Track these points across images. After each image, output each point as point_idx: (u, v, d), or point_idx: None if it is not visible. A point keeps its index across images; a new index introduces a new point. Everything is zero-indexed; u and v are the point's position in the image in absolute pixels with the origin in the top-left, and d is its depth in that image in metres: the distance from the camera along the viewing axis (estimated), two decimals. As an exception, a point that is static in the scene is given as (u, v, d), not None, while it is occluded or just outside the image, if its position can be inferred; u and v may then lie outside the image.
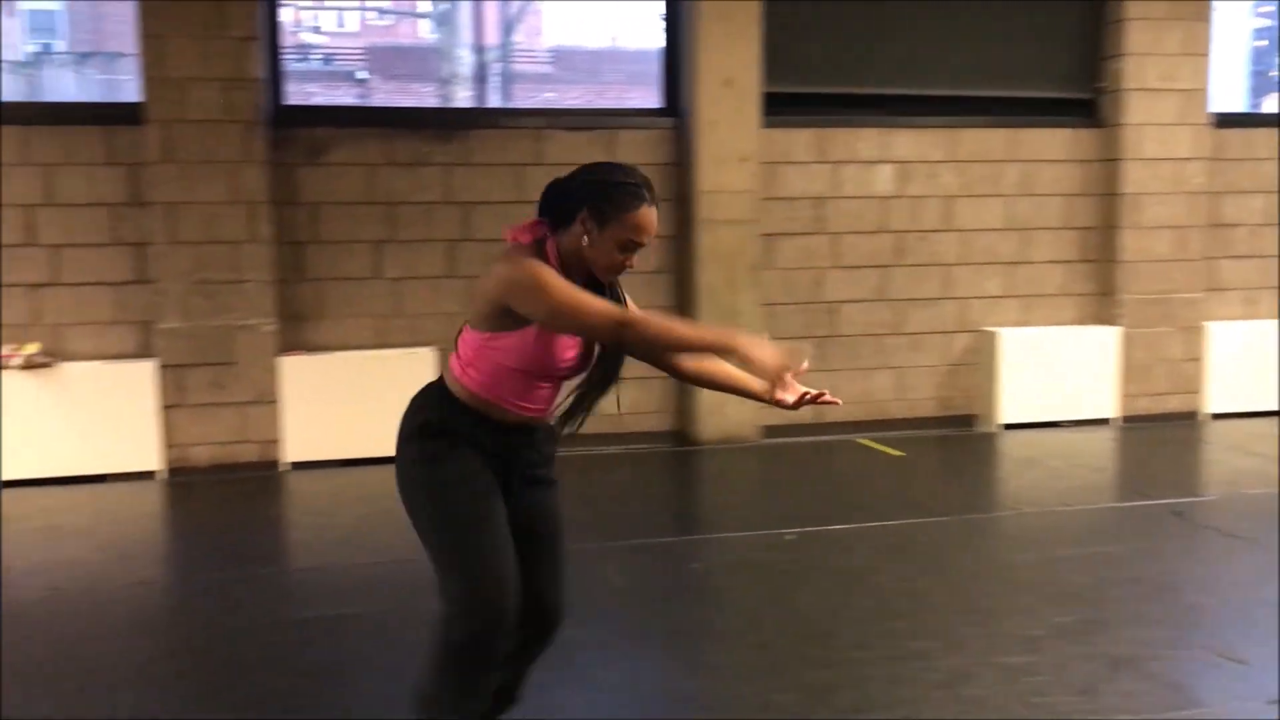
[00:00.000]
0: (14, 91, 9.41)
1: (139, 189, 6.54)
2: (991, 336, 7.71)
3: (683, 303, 7.32)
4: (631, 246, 2.64)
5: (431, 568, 2.67)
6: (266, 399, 6.67)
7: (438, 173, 6.99)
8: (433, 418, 2.67)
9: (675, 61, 7.35)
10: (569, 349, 2.69)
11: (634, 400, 7.35)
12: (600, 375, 2.80)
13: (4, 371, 6.29)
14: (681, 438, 7.40)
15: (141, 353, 6.61)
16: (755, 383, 2.74)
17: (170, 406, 6.54)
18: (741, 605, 4.47)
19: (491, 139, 7.05)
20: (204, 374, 6.57)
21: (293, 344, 6.77)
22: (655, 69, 7.50)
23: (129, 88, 7.89)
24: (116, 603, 4.58)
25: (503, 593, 2.60)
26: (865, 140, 7.56)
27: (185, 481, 6.51)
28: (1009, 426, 7.64)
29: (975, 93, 7.78)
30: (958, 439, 7.62)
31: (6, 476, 6.33)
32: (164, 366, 6.50)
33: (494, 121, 7.14)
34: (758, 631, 4.11)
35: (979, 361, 7.82)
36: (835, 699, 3.50)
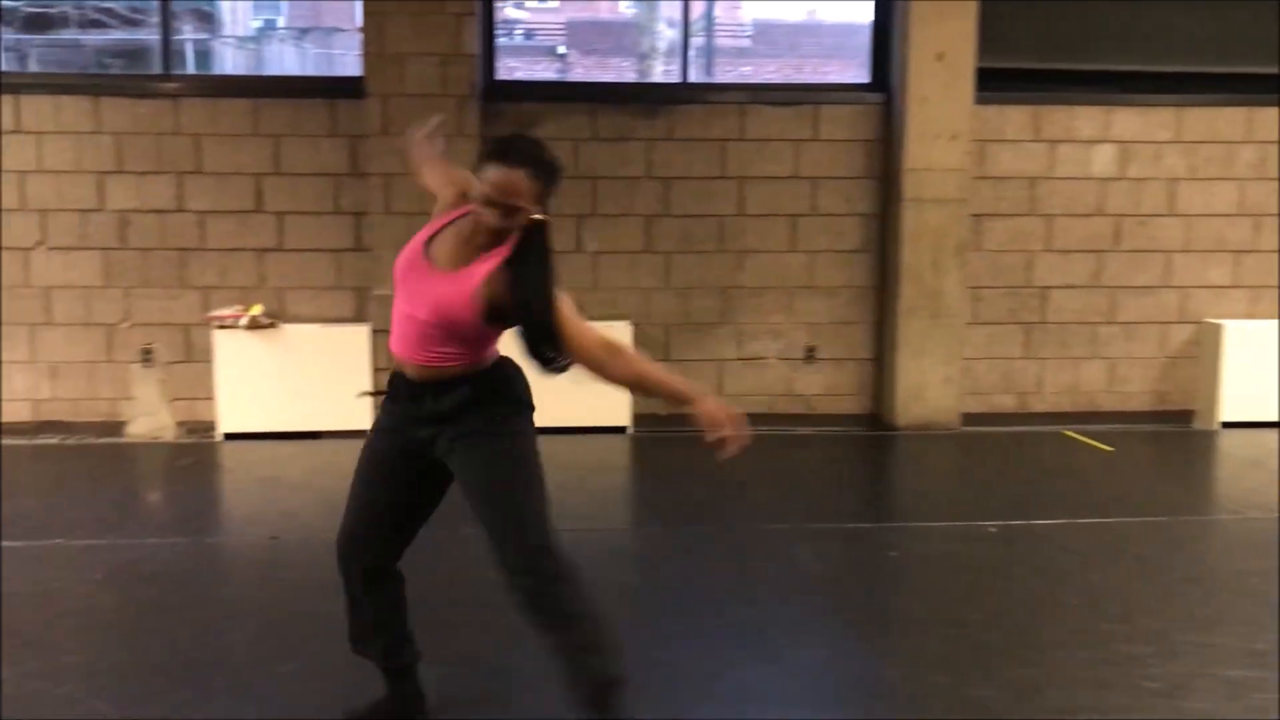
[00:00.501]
0: (239, 65, 9.95)
1: (358, 160, 6.83)
2: (1215, 329, 7.23)
3: (883, 283, 7.17)
4: (493, 203, 2.73)
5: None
6: (469, 366, 6.87)
7: (640, 148, 7.03)
8: None
9: (884, 35, 7.16)
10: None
11: (829, 382, 7.25)
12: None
13: (231, 331, 6.69)
14: (877, 422, 7.24)
15: (357, 317, 6.92)
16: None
17: (382, 369, 6.83)
18: (940, 596, 4.35)
19: (694, 114, 7.04)
20: (412, 339, 6.82)
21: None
22: (857, 43, 7.32)
23: (343, 61, 8.23)
24: (327, 555, 4.81)
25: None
26: (1084, 119, 7.19)
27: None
28: (1230, 425, 7.16)
29: (1206, 69, 7.29)
30: (1172, 436, 7.20)
31: (229, 429, 6.75)
32: (377, 331, 6.79)
33: (697, 97, 7.13)
34: (957, 624, 3.99)
35: (1199, 355, 7.36)
36: (1040, 699, 3.37)
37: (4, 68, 6.96)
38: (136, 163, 6.76)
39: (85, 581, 4.38)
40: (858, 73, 7.35)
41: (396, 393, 2.94)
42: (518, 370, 2.99)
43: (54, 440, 6.79)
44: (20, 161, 6.67)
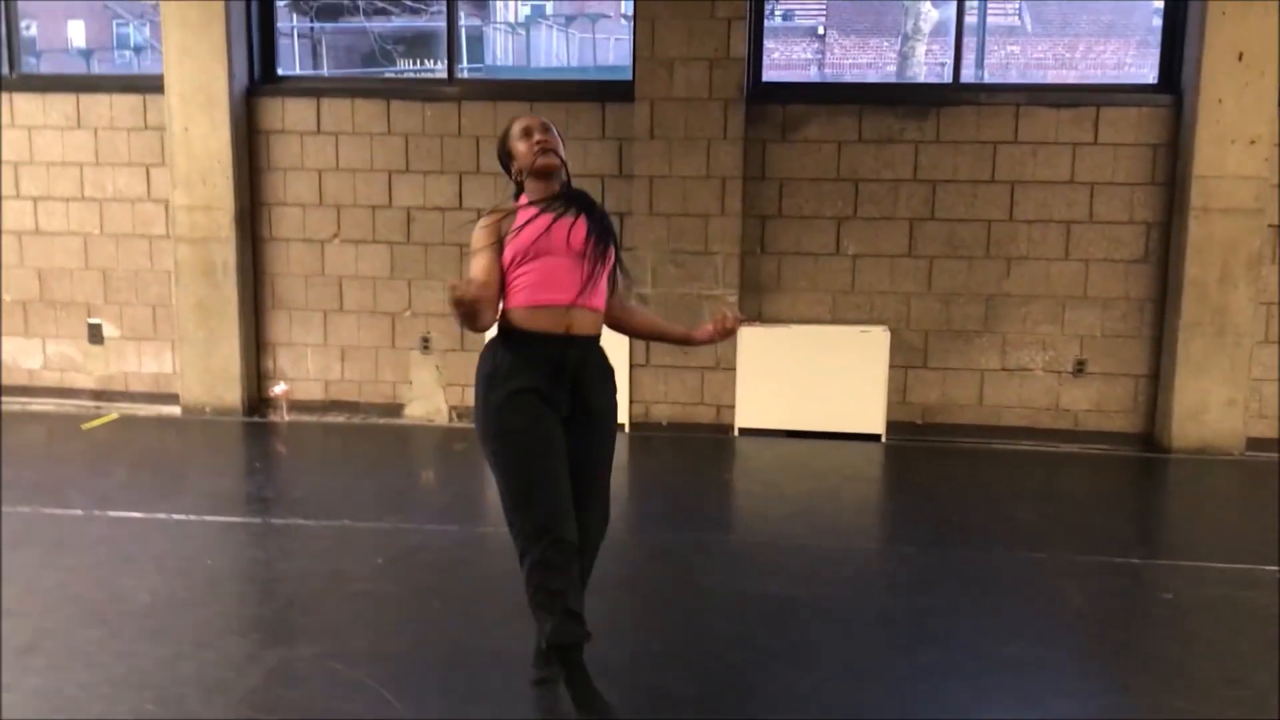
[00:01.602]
0: (508, 52, 10.36)
1: (624, 162, 7.01)
2: None
3: (1164, 296, 6.75)
4: (528, 135, 3.46)
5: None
6: (724, 365, 6.97)
7: (906, 150, 6.89)
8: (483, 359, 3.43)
9: (1175, 34, 6.70)
10: None
11: (1098, 398, 6.90)
12: None
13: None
14: (1149, 443, 6.85)
15: (617, 314, 7.12)
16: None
17: (638, 365, 7.02)
18: (1220, 650, 4.08)
19: (965, 116, 6.83)
20: (670, 338, 6.97)
21: (751, 314, 7.01)
22: (1136, 21, 6.88)
23: (605, 46, 8.42)
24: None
25: None
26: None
27: (646, 436, 6.97)
28: None
29: None
30: None
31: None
32: (635, 329, 6.97)
33: (970, 98, 6.90)
34: (1239, 683, 3.74)
35: None
36: (1336, 781, 3.13)
37: (297, 68, 7.53)
38: (421, 162, 7.19)
39: (369, 565, 4.74)
40: (1138, 52, 6.91)
41: None
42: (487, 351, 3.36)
43: (341, 419, 7.34)
44: (320, 161, 7.22)
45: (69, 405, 7.50)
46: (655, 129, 6.80)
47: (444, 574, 4.67)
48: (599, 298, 3.38)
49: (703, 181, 6.82)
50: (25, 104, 7.33)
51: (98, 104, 7.30)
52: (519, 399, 3.24)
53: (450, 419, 7.31)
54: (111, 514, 5.27)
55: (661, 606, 4.40)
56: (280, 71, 7.42)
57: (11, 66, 7.48)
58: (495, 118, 7.10)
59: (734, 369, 6.95)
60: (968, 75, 7.31)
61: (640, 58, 6.79)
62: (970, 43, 7.70)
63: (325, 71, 8.27)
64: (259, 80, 7.25)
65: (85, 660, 3.76)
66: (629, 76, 6.94)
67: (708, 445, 6.83)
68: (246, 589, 4.65)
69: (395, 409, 7.40)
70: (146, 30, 12.09)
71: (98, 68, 12.42)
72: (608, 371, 3.50)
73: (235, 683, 3.64)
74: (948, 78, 7.12)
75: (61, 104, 7.31)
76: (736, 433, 6.98)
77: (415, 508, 5.59)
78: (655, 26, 6.74)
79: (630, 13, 6.95)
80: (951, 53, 7.11)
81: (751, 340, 6.90)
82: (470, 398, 6.96)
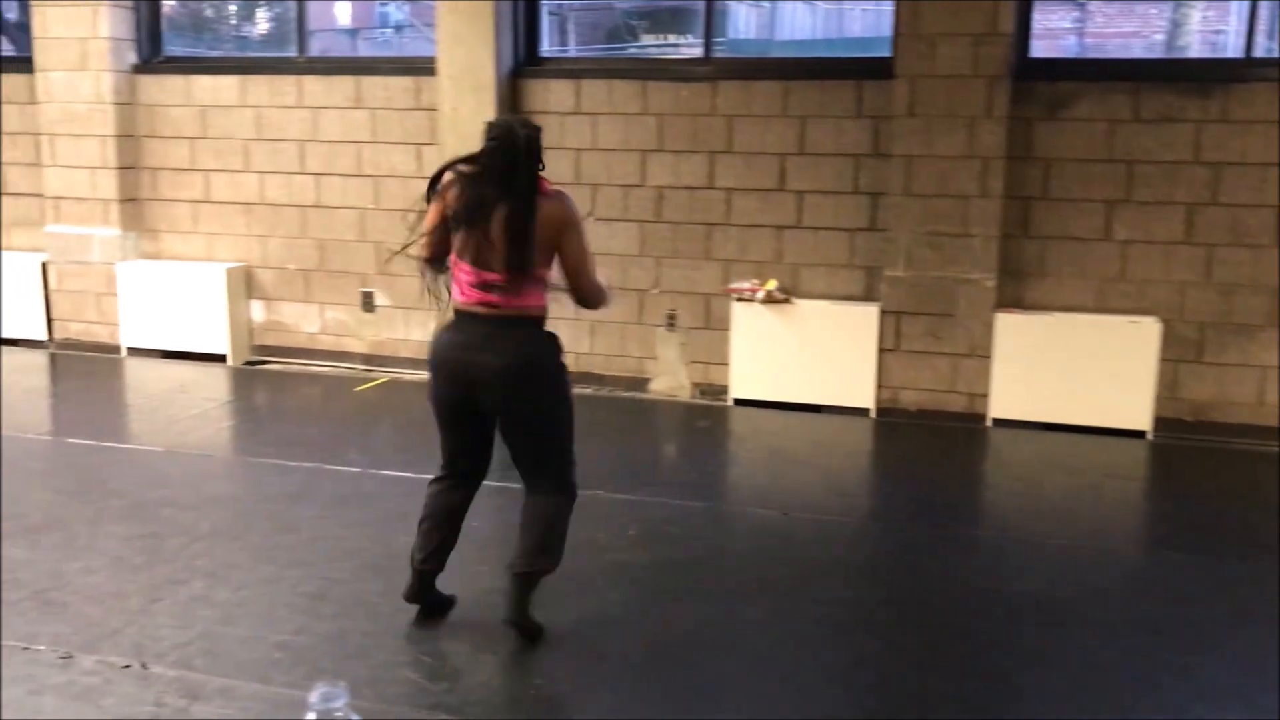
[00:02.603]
0: (753, 25, 10.23)
1: (880, 141, 6.87)
2: None
3: None
4: None
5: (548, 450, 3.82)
6: (979, 353, 6.75)
7: (1187, 130, 6.44)
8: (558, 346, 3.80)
9: None
10: None
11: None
12: None
13: (747, 302, 7.05)
14: None
15: (867, 296, 7.02)
16: None
17: (886, 350, 6.89)
18: None
19: (1257, 93, 6.32)
20: (922, 322, 6.81)
21: (1011, 301, 6.75)
22: None
23: (850, 16, 8.21)
24: (832, 536, 4.98)
25: None
26: None
27: (893, 423, 6.85)
28: None
29: None
30: None
31: (740, 395, 7.14)
32: (886, 312, 6.85)
33: (1263, 74, 6.38)
34: None
35: None
36: None
37: (546, 45, 7.74)
38: (675, 142, 7.27)
39: (619, 536, 4.87)
40: None
41: None
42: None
43: (588, 390, 7.56)
44: (579, 140, 7.42)
45: (343, 368, 8.03)
46: (915, 107, 6.63)
47: (690, 549, 4.75)
48: None
49: (963, 161, 6.60)
50: (313, 85, 7.86)
51: (375, 86, 7.75)
52: None
53: (693, 395, 7.40)
54: (383, 473, 5.62)
55: (912, 599, 4.32)
56: (542, 52, 7.66)
57: (301, 50, 8.03)
58: (749, 98, 7.10)
59: (989, 356, 6.72)
60: (1260, 49, 6.75)
61: (901, 34, 6.62)
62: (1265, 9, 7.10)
63: (571, 49, 8.48)
64: (523, 62, 7.50)
65: (368, 610, 4.04)
66: (879, 50, 6.78)
67: (958, 435, 6.64)
68: (506, 551, 4.86)
69: (640, 383, 7.55)
70: (406, 9, 12.66)
71: (362, 46, 13.12)
72: None
73: (500, 645, 3.82)
74: (1229, 50, 6.61)
75: (344, 86, 7.80)
76: (990, 423, 6.75)
77: (662, 482, 5.70)
78: (917, 2, 6.56)
79: (891, -12, 6.79)
80: (1243, 23, 6.59)
81: (1010, 327, 6.64)
82: (716, 376, 6.97)
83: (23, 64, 8.37)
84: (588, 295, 3.84)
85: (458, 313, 3.72)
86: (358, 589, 4.22)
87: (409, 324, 7.92)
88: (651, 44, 12.17)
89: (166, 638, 3.76)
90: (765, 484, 5.88)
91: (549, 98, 7.45)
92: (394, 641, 3.81)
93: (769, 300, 7.02)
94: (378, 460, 5.80)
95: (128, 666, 3.55)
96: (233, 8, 9.52)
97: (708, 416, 7.03)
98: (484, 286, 3.62)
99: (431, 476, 4.05)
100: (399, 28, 13.52)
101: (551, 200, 3.70)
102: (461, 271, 3.67)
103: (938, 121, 6.60)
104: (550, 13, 7.93)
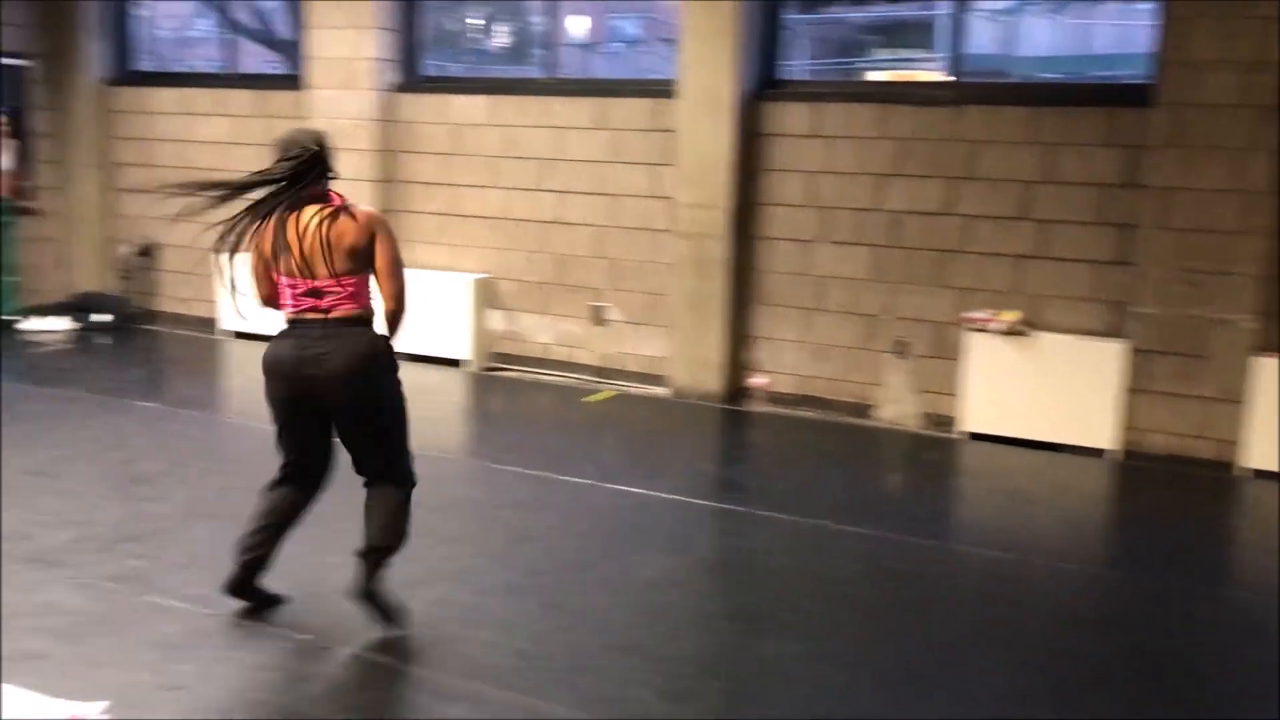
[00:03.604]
0: (985, 40, 9.87)
1: (1133, 171, 6.57)
2: None
3: None
4: None
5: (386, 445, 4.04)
6: (1232, 398, 6.35)
7: None
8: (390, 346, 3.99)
9: None
10: None
11: None
12: None
13: (983, 333, 6.87)
14: None
15: (1111, 332, 6.72)
16: None
17: (1134, 390, 6.57)
18: None
19: None
20: (1172, 362, 6.47)
21: (1273, 345, 6.32)
22: None
23: (1098, 32, 7.85)
24: (1067, 584, 4.80)
25: None
26: None
27: (1136, 466, 6.53)
28: None
29: None
30: None
31: (972, 429, 6.96)
32: (1134, 349, 6.54)
33: None
34: None
35: None
36: None
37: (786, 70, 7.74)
38: (913, 167, 7.17)
39: (846, 569, 4.84)
40: None
41: None
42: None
43: (812, 414, 7.53)
44: (813, 163, 7.42)
45: (573, 378, 8.29)
46: (1176, 137, 6.31)
47: (919, 589, 4.68)
48: None
49: (1226, 195, 6.23)
50: (559, 106, 8.16)
51: (617, 107, 7.97)
52: None
53: (920, 425, 7.26)
54: (613, 486, 5.77)
55: (1153, 659, 4.12)
56: (777, 71, 7.70)
57: (549, 72, 8.36)
58: (994, 123, 6.93)
59: (1243, 402, 6.31)
60: None
61: (1167, 61, 6.31)
62: None
63: (801, 64, 8.45)
64: (762, 85, 7.56)
65: (600, 625, 4.17)
66: (1126, 69, 6.48)
67: (1205, 483, 6.27)
68: (734, 577, 4.93)
69: (864, 410, 7.47)
70: (639, 24, 12.88)
71: (595, 61, 13.43)
72: None
73: (729, 670, 3.88)
74: None
75: (587, 107, 8.06)
76: (1241, 473, 6.33)
77: (892, 515, 5.62)
78: (1189, 27, 6.23)
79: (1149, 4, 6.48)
80: None
81: (1269, 372, 6.22)
82: (945, 406, 6.81)
83: (293, 82, 9.04)
84: (398, 300, 3.97)
85: (290, 322, 3.91)
86: (590, 602, 4.36)
87: (638, 338, 8.10)
88: (885, 59, 11.97)
89: (415, 637, 3.99)
90: (998, 524, 5.72)
91: (786, 120, 7.48)
92: (627, 658, 3.91)
93: (1007, 332, 6.82)
94: (607, 473, 5.96)
95: (381, 663, 3.79)
96: (479, 23, 10.00)
97: (936, 448, 6.89)
98: (310, 294, 3.82)
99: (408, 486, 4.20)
100: (631, 42, 13.82)
101: (347, 208, 3.85)
102: (286, 287, 3.85)
103: (1200, 152, 6.26)
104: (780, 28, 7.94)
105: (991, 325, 6.86)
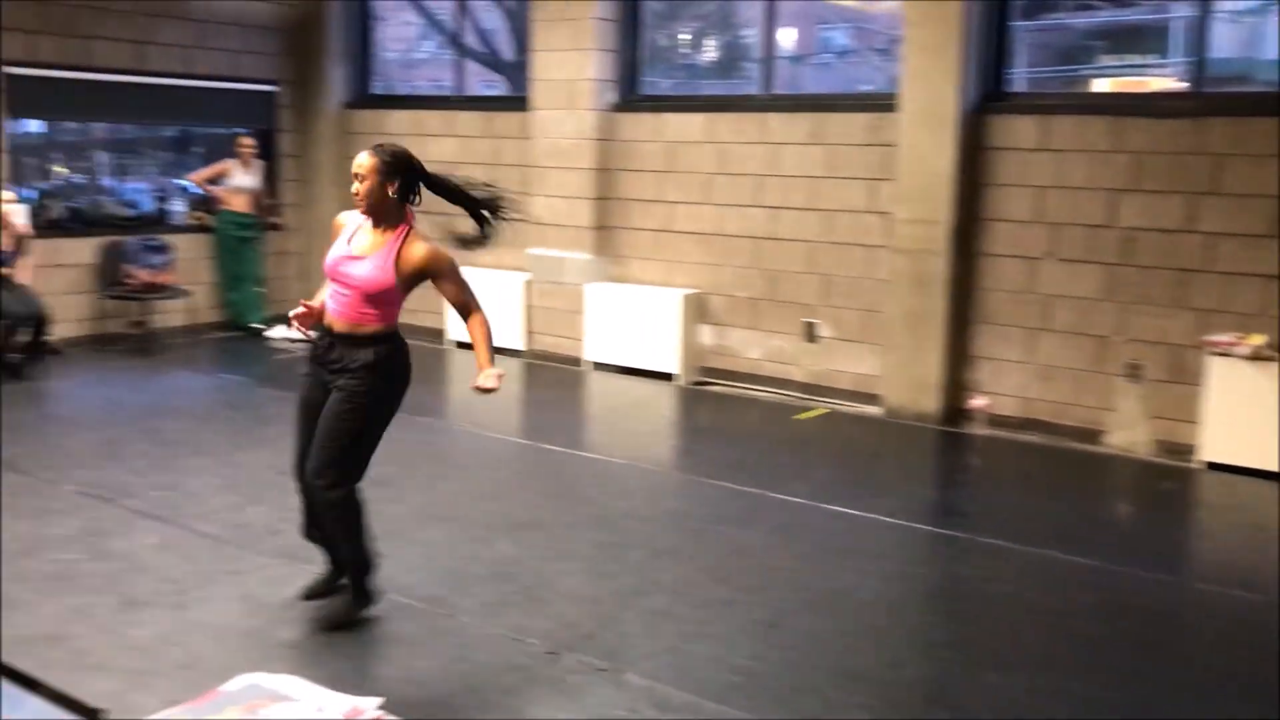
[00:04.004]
0: (1232, 44, 9.22)
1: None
2: None
3: None
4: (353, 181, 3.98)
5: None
6: None
7: None
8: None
9: None
10: None
11: None
12: None
13: (1226, 358, 6.46)
14: None
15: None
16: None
17: (1398, 422, 6.05)
18: None
19: None
20: None
21: None
22: None
23: None
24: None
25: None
26: None
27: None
28: None
29: None
30: None
31: (1211, 458, 6.54)
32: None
33: None
34: None
35: None
36: None
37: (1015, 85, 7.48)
38: (1150, 181, 6.82)
39: (1074, 602, 4.63)
40: None
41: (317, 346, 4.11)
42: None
43: (1035, 438, 7.25)
44: (1042, 177, 7.17)
45: (782, 395, 8.26)
46: None
47: (1159, 629, 4.44)
48: None
49: None
50: (774, 122, 8.17)
51: (834, 122, 7.92)
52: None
53: (1154, 453, 6.88)
54: (827, 506, 5.72)
55: None
56: (1002, 82, 7.48)
57: (766, 87, 8.38)
58: (1241, 135, 6.52)
59: None
60: None
61: None
62: None
63: (1023, 72, 8.13)
64: (987, 97, 7.36)
65: (818, 646, 4.14)
66: None
67: None
68: (955, 604, 4.80)
69: (1092, 435, 7.14)
70: (849, 33, 12.70)
71: (805, 73, 13.32)
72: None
73: (954, 698, 3.78)
74: None
75: (804, 122, 8.04)
76: None
77: (1124, 548, 5.35)
78: None
79: None
80: None
81: None
82: (1182, 434, 6.42)
83: (519, 103, 9.38)
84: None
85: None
86: (808, 623, 4.33)
87: (850, 355, 8.00)
88: (1114, 65, 11.39)
89: (636, 647, 4.07)
90: (1240, 561, 5.36)
91: (1012, 133, 7.25)
92: (847, 682, 3.87)
93: (1254, 357, 6.39)
94: (819, 492, 5.91)
95: (604, 670, 3.88)
96: (690, 39, 10.11)
97: (1171, 478, 6.51)
98: None
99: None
100: (842, 53, 13.66)
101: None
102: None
103: None
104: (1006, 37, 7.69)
105: (1236, 349, 6.45)
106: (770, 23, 8.40)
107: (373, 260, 3.99)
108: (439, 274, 4.07)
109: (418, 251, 3.99)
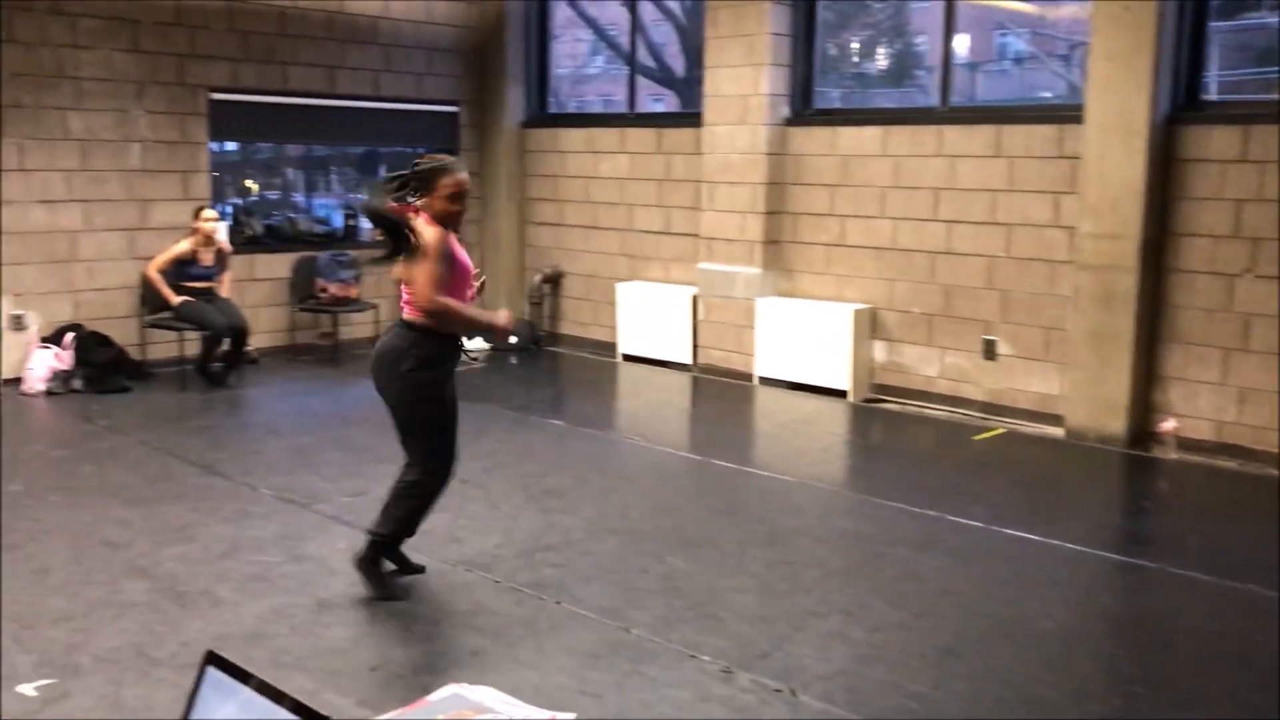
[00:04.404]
0: None
1: None
2: None
3: None
4: (457, 198, 4.38)
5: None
6: None
7: None
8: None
9: None
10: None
11: None
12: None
13: None
14: None
15: None
16: None
17: None
18: None
19: None
20: None
21: None
22: None
23: None
24: None
25: None
26: None
27: None
28: None
29: None
30: None
31: None
32: None
33: None
34: None
35: None
36: None
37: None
38: (1364, 193, 6.39)
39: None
40: None
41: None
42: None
43: (1231, 464, 6.87)
44: (1242, 190, 6.79)
45: (958, 414, 8.06)
46: None
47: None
48: None
49: None
50: (952, 135, 8.00)
51: (1016, 134, 7.69)
52: (444, 379, 4.53)
53: (1367, 483, 6.43)
54: (1006, 530, 5.55)
55: None
56: (1197, 90, 7.12)
57: (944, 99, 8.21)
58: None
59: None
60: None
61: None
62: None
63: (1211, 75, 7.68)
64: (1181, 107, 7.03)
65: (998, 676, 4.02)
66: None
67: None
68: (1144, 638, 4.59)
69: (1295, 462, 6.72)
70: (1026, 38, 12.28)
71: (981, 81, 12.96)
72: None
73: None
74: None
75: (983, 135, 7.84)
76: None
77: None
78: None
79: None
80: None
81: None
82: None
83: (690, 119, 9.45)
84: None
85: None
86: (987, 652, 4.22)
87: (1030, 374, 7.75)
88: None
89: (810, 668, 4.03)
90: None
91: (1209, 144, 6.90)
92: (1031, 714, 3.75)
93: None
94: (999, 516, 5.74)
95: (779, 690, 3.86)
96: (860, 47, 9.98)
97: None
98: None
99: None
100: (1019, 59, 13.24)
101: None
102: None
103: None
104: (1204, 43, 7.31)
105: None
106: (948, 31, 8.21)
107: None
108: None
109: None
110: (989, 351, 7.95)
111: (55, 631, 4.16)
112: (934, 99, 8.34)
